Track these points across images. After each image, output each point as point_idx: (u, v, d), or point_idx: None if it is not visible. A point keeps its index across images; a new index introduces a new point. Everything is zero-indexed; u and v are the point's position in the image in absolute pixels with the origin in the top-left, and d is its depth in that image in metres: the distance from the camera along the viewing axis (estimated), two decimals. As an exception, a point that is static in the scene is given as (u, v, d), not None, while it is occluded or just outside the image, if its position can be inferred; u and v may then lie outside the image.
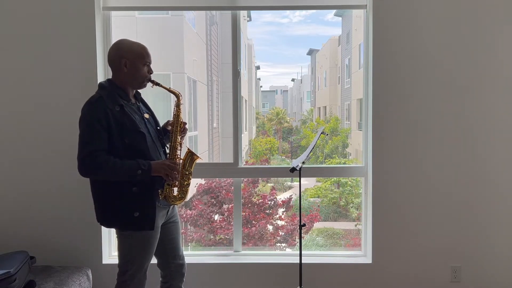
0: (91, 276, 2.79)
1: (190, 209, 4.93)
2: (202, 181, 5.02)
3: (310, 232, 5.27)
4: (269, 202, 5.06)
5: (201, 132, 6.37)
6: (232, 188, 4.70)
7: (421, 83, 2.85)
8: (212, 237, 4.84)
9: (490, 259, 2.91)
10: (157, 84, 2.19)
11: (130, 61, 2.08)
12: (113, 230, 3.02)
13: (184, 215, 4.78)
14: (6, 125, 2.89)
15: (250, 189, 5.20)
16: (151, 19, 5.63)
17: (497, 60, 2.83)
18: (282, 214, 5.14)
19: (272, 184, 5.99)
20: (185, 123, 2.26)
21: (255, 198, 5.12)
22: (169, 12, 5.59)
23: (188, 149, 2.27)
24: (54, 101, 2.86)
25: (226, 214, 4.83)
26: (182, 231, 2.40)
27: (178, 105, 2.22)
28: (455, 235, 2.90)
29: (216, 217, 4.96)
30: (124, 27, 3.98)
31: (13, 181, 2.91)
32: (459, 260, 2.92)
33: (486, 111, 2.85)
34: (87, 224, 2.86)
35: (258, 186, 5.34)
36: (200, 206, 4.91)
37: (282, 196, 5.53)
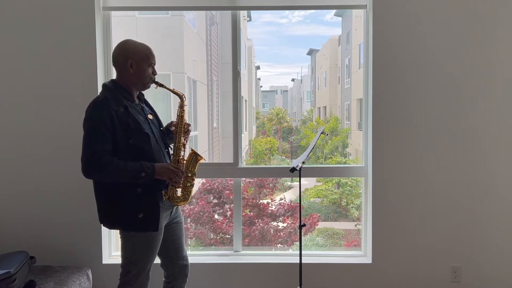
0: (91, 276, 2.79)
1: (192, 205, 4.93)
2: (203, 180, 5.02)
3: (309, 233, 5.26)
4: (273, 208, 5.05)
5: (201, 132, 6.37)
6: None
7: (422, 83, 2.85)
8: (213, 236, 4.84)
9: (490, 259, 2.91)
10: (161, 85, 2.19)
11: (136, 62, 2.08)
12: (113, 230, 3.02)
13: (187, 210, 4.78)
14: (6, 125, 2.89)
15: (256, 193, 5.22)
16: (151, 19, 5.63)
17: (498, 60, 2.82)
18: (286, 218, 5.13)
19: (283, 194, 5.95)
20: (189, 125, 2.25)
21: (259, 199, 5.12)
22: (169, 12, 5.59)
23: (192, 150, 2.26)
24: (54, 101, 2.86)
25: (228, 214, 4.84)
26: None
27: (182, 106, 2.22)
28: (455, 235, 2.90)
29: (217, 216, 4.96)
30: (124, 27, 3.98)
31: (13, 181, 2.91)
32: (459, 260, 2.92)
33: (486, 111, 2.85)
34: (87, 224, 2.86)
35: (263, 190, 5.35)
36: (201, 203, 4.91)
37: (281, 197, 5.53)
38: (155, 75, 2.17)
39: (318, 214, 5.58)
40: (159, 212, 2.09)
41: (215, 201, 4.98)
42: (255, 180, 5.23)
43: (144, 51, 2.11)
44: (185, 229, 2.49)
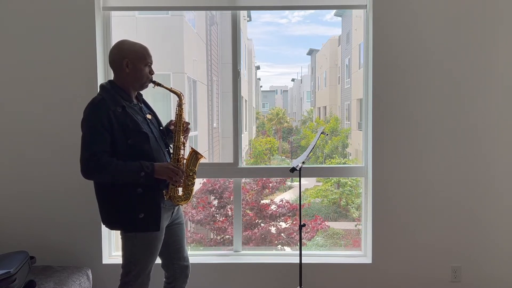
0: (91, 276, 2.79)
1: (195, 209, 4.93)
2: (204, 180, 5.02)
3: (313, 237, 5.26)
4: (275, 209, 5.05)
5: (201, 132, 6.37)
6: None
7: (421, 83, 2.85)
8: (213, 236, 4.85)
9: (490, 259, 2.91)
10: (159, 84, 2.19)
11: (132, 62, 2.08)
12: (113, 230, 3.02)
13: (190, 214, 4.79)
14: (6, 125, 2.89)
15: (258, 196, 5.21)
16: (151, 19, 5.64)
17: (498, 60, 2.82)
18: (286, 220, 5.12)
19: (282, 196, 5.94)
20: (188, 123, 2.25)
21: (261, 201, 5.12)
22: (169, 12, 5.60)
23: (192, 148, 2.26)
24: (54, 101, 2.86)
25: (230, 214, 4.84)
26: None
27: (180, 105, 2.21)
28: (455, 235, 2.90)
29: (219, 217, 4.97)
30: (124, 27, 3.98)
31: (13, 181, 2.90)
32: (459, 260, 2.92)
33: (486, 111, 2.85)
34: (87, 224, 2.86)
35: (264, 191, 5.34)
36: (203, 206, 4.91)
37: (281, 197, 5.52)
38: (152, 74, 2.17)
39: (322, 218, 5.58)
40: (160, 212, 2.09)
41: (216, 201, 4.98)
42: (256, 181, 5.23)
43: (140, 51, 2.11)
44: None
